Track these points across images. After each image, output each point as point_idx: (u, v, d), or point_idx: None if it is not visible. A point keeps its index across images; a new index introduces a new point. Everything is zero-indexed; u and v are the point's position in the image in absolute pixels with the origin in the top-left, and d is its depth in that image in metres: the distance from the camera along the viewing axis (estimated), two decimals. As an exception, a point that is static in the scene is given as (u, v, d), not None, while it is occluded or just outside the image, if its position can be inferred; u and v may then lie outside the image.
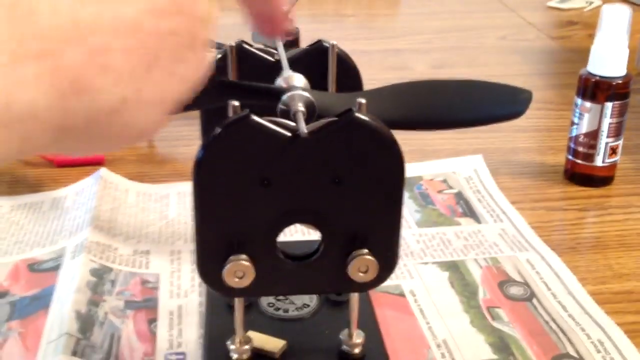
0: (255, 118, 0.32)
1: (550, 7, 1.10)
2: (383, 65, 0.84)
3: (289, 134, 0.32)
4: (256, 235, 0.33)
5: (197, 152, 0.32)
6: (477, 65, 0.86)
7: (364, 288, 0.35)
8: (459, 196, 0.55)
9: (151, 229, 0.50)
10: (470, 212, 0.53)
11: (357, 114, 0.32)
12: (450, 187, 0.56)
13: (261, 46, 0.45)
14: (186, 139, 0.65)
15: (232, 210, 0.33)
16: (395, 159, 0.33)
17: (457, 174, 0.58)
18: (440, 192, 0.56)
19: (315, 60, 0.42)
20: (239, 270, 0.33)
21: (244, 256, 0.33)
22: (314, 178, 0.33)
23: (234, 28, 1.00)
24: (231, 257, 0.33)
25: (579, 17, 1.05)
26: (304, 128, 0.32)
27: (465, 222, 0.52)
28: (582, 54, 0.90)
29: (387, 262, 0.34)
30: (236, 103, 0.32)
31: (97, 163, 0.58)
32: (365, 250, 0.34)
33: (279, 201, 0.33)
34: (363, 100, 0.32)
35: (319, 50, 0.42)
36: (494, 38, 0.96)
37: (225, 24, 1.01)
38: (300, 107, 0.34)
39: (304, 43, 0.58)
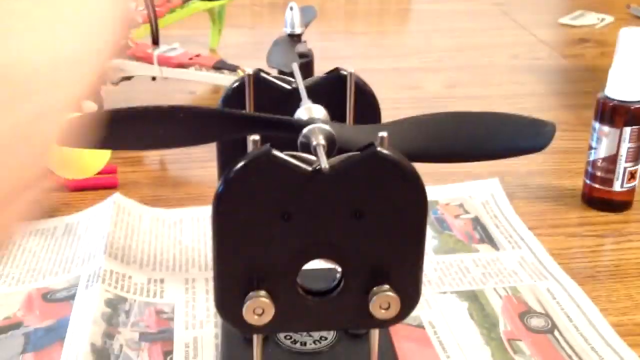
0: (276, 153, 0.31)
1: (561, 24, 1.09)
2: (395, 84, 0.83)
3: (310, 168, 0.31)
4: (276, 271, 0.33)
5: (217, 186, 0.32)
6: (490, 84, 0.86)
7: (385, 324, 0.34)
8: (476, 221, 0.54)
9: (165, 256, 0.50)
10: (487, 239, 0.52)
11: (379, 149, 0.31)
12: (467, 212, 0.56)
13: (276, 73, 0.45)
14: (200, 161, 0.65)
15: (252, 245, 0.32)
16: (417, 193, 0.32)
17: (474, 198, 0.57)
18: (457, 217, 0.55)
19: (332, 89, 0.42)
20: (259, 307, 0.33)
21: (263, 292, 0.33)
22: (335, 212, 0.32)
23: (245, 47, 1.00)
24: (251, 294, 0.33)
25: (591, 34, 1.05)
26: (325, 163, 0.31)
27: (483, 248, 0.51)
28: (595, 73, 0.90)
29: (409, 298, 0.34)
30: (257, 137, 0.32)
31: (110, 187, 0.58)
32: (387, 287, 0.33)
33: (300, 236, 0.32)
34: (385, 134, 0.32)
35: (336, 78, 0.42)
36: (506, 56, 0.95)
37: (237, 42, 1.01)
38: (321, 141, 0.33)
39: (316, 62, 0.58)
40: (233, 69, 0.67)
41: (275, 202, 0.32)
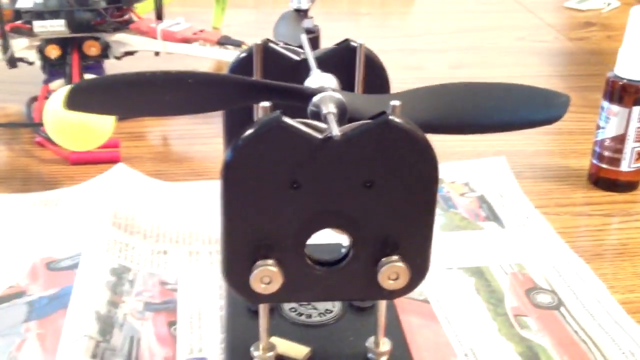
0: (287, 120, 0.31)
1: (567, 7, 1.09)
2: (399, 65, 0.83)
3: (321, 136, 0.31)
4: (285, 240, 0.32)
5: (226, 153, 0.31)
6: (496, 66, 0.85)
7: (393, 295, 0.34)
8: (482, 200, 0.54)
9: (169, 228, 0.49)
10: (493, 217, 0.52)
11: (392, 117, 0.31)
12: (473, 190, 0.55)
13: (285, 45, 0.44)
14: (203, 137, 0.64)
15: (260, 214, 0.32)
16: (429, 163, 0.32)
17: (480, 176, 0.57)
18: (462, 195, 0.55)
19: (342, 60, 0.41)
20: (267, 276, 0.32)
21: (271, 261, 0.32)
22: (345, 181, 0.32)
23: (248, 26, 0.99)
24: (258, 262, 0.32)
25: (597, 18, 1.04)
26: (336, 130, 0.31)
27: (488, 226, 0.51)
28: (601, 56, 0.90)
29: (418, 269, 0.33)
30: (267, 104, 0.31)
31: (113, 161, 0.57)
32: (396, 257, 0.33)
33: (309, 205, 0.32)
34: (397, 103, 0.31)
35: (345, 49, 0.41)
36: (511, 38, 0.94)
37: (239, 21, 1.00)
38: (332, 109, 0.33)
39: (321, 41, 0.57)
40: (237, 44, 0.67)
41: (284, 170, 0.31)
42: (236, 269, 0.33)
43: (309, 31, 0.56)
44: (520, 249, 0.48)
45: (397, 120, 0.31)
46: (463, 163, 0.59)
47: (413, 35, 0.95)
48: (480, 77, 0.81)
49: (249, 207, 0.32)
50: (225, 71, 0.42)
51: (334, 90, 0.34)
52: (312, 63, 0.39)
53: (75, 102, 0.31)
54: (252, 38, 0.67)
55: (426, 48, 0.90)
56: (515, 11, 1.07)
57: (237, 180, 0.31)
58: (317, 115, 0.34)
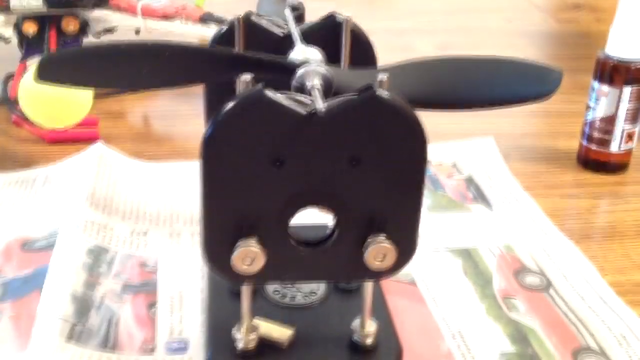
0: (270, 93, 0.29)
1: (555, -11, 1.08)
2: (387, 46, 0.81)
3: (305, 111, 0.30)
4: (267, 219, 0.31)
5: (206, 128, 0.30)
6: (484, 47, 0.84)
7: (380, 276, 0.33)
8: (470, 181, 0.53)
9: (149, 209, 0.48)
10: (481, 198, 0.51)
11: (379, 91, 0.30)
12: (460, 172, 0.54)
13: (269, 18, 0.43)
14: (184, 117, 0.63)
15: (242, 191, 0.31)
16: (418, 139, 0.31)
17: (467, 157, 0.56)
18: (450, 176, 0.54)
19: (327, 35, 0.40)
20: (249, 256, 0.31)
21: (253, 241, 0.31)
22: (330, 158, 0.30)
23: (231, 4, 0.97)
24: (240, 242, 0.31)
25: (585, 0, 1.03)
26: (321, 105, 0.29)
27: (476, 208, 0.50)
28: (589, 39, 0.89)
29: (406, 249, 0.32)
30: (248, 77, 0.30)
31: (91, 140, 0.56)
32: (383, 237, 0.32)
33: (292, 182, 0.31)
34: (385, 77, 0.30)
35: (331, 24, 0.40)
36: (500, 20, 0.93)
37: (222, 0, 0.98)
38: (317, 83, 0.31)
39: (306, 20, 0.56)
40: (220, 21, 0.65)
41: (267, 145, 0.30)
42: (217, 248, 0.31)
43: (293, 8, 0.55)
44: (509, 230, 0.47)
45: (385, 94, 0.30)
46: (450, 144, 0.57)
47: (401, 16, 0.94)
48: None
49: (230, 184, 0.30)
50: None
51: (319, 63, 0.33)
52: (297, 36, 0.37)
53: (47, 73, 0.29)
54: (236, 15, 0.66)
55: (414, 28, 0.89)
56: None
57: (217, 156, 0.30)
58: (302, 90, 0.32)
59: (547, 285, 0.42)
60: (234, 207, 0.31)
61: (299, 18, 0.64)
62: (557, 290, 0.42)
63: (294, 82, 0.32)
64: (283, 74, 0.33)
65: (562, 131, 0.62)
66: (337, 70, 0.33)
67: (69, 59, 0.30)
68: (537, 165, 0.57)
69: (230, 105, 0.29)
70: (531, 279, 0.43)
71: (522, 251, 0.45)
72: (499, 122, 0.62)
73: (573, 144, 0.58)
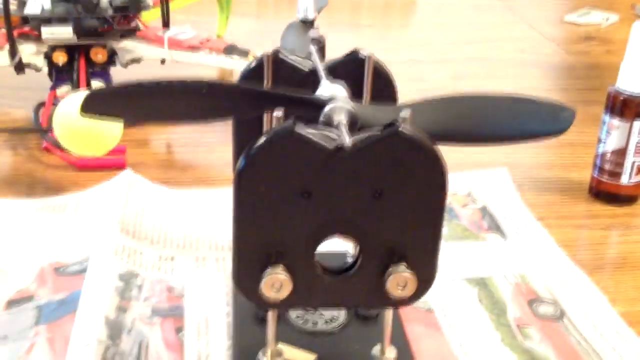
0: (299, 129, 0.31)
1: (567, 21, 1.10)
2: (402, 77, 0.82)
3: (332, 146, 0.32)
4: (295, 247, 0.33)
5: (239, 161, 0.32)
6: (497, 77, 0.86)
7: (400, 304, 0.34)
8: (484, 211, 0.55)
9: (175, 234, 0.50)
10: (495, 228, 0.53)
11: (402, 128, 0.31)
12: (475, 201, 0.56)
13: (295, 54, 0.45)
14: (207, 145, 0.65)
15: (271, 221, 0.32)
16: (438, 173, 0.32)
17: (482, 187, 0.58)
18: (464, 206, 0.55)
19: (350, 70, 0.42)
20: (277, 282, 0.33)
21: (281, 268, 0.33)
22: (355, 190, 0.32)
23: (252, 35, 1.00)
24: (269, 269, 0.33)
25: (596, 32, 1.05)
26: (347, 140, 0.31)
27: (491, 237, 0.51)
28: (600, 71, 0.91)
29: (425, 278, 0.34)
30: (280, 113, 0.32)
31: (118, 167, 0.58)
32: (404, 266, 0.33)
33: (319, 213, 0.33)
34: (407, 113, 0.32)
35: (354, 59, 0.42)
36: (512, 51, 0.95)
37: (243, 30, 1.01)
38: (344, 119, 0.33)
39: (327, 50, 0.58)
40: (244, 53, 0.67)
41: (296, 178, 0.32)
42: (247, 274, 0.33)
43: (315, 41, 0.57)
44: (523, 260, 0.49)
45: (408, 130, 0.31)
46: (465, 174, 0.59)
47: (414, 47, 0.96)
48: (481, 89, 0.82)
49: (261, 214, 0.32)
50: (232, 79, 0.42)
51: (344, 100, 0.35)
52: (322, 73, 0.39)
53: (93, 107, 0.31)
54: (256, 46, 0.68)
55: (428, 59, 0.91)
56: (515, 24, 1.08)
57: (249, 188, 0.32)
58: (329, 125, 0.34)
59: (561, 315, 0.43)
60: (263, 235, 0.33)
61: (321, 50, 0.66)
62: (570, 319, 0.43)
63: (321, 118, 0.34)
64: (311, 110, 0.35)
65: (574, 162, 0.64)
66: (362, 106, 0.35)
67: (113, 94, 0.32)
68: (549, 196, 0.58)
69: (262, 139, 0.31)
70: (545, 309, 0.44)
71: (536, 281, 0.46)
72: (512, 153, 0.64)
73: (584, 175, 0.60)
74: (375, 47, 0.95)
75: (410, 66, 0.88)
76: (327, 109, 0.34)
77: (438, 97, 0.35)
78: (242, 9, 1.08)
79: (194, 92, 0.33)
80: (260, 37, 0.96)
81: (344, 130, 0.32)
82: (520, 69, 0.89)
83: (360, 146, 0.32)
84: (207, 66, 0.70)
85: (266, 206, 0.32)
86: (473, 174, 0.59)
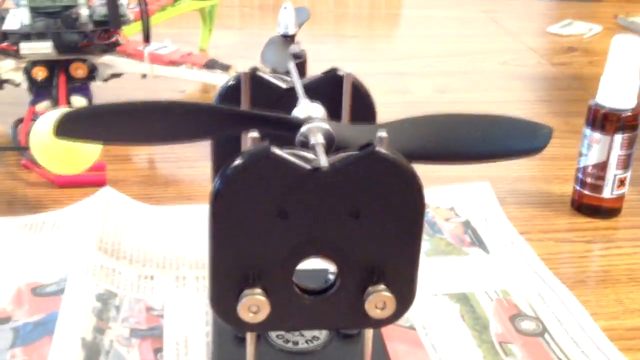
0: (276, 150, 0.31)
1: (550, 32, 1.10)
2: (385, 88, 0.84)
3: (309, 167, 0.31)
4: (272, 269, 0.33)
5: (214, 182, 0.31)
6: (479, 90, 0.86)
7: (380, 324, 0.34)
8: (467, 225, 0.55)
9: (155, 252, 0.49)
10: (478, 242, 0.52)
11: (379, 149, 0.31)
12: (458, 215, 0.56)
13: (271, 73, 0.44)
14: (189, 160, 0.64)
15: (248, 242, 0.32)
16: (415, 194, 0.32)
17: (465, 201, 0.58)
18: (447, 220, 0.55)
19: (328, 88, 0.42)
20: (254, 305, 0.33)
21: (259, 290, 0.33)
22: (332, 211, 0.32)
23: (235, 47, 1.00)
24: (246, 291, 0.32)
25: (579, 43, 1.06)
26: (324, 161, 0.31)
27: (473, 252, 0.51)
28: (583, 81, 0.91)
29: (405, 298, 0.34)
30: (256, 134, 0.32)
31: (99, 184, 0.57)
32: (383, 286, 0.33)
33: (296, 234, 0.32)
34: (384, 134, 0.32)
35: (333, 77, 0.42)
36: (495, 63, 0.96)
37: (226, 43, 1.01)
38: (320, 140, 0.33)
39: (308, 64, 0.58)
40: (225, 68, 0.67)
41: (272, 199, 0.32)
42: (224, 297, 0.33)
43: (296, 56, 0.57)
44: (505, 275, 0.49)
45: (384, 151, 0.31)
46: (448, 188, 0.59)
47: (398, 59, 0.96)
48: (465, 101, 0.82)
49: (237, 235, 0.32)
50: (213, 95, 0.42)
51: (321, 120, 0.35)
52: (300, 92, 0.39)
53: (65, 130, 0.31)
54: (238, 60, 0.68)
55: (412, 71, 0.91)
56: (498, 35, 1.09)
57: (225, 209, 0.32)
58: (306, 144, 0.34)
59: (543, 330, 0.43)
60: (240, 257, 0.32)
61: (301, 65, 0.66)
62: (552, 335, 0.43)
63: (298, 138, 0.34)
64: (288, 130, 0.34)
65: (556, 175, 0.64)
66: (338, 125, 0.35)
67: (86, 116, 0.32)
68: (531, 209, 0.58)
69: (238, 161, 0.31)
70: (527, 324, 0.44)
71: (518, 296, 0.46)
72: (494, 166, 0.64)
73: (566, 188, 0.60)
74: (359, 58, 0.96)
75: (394, 78, 0.88)
76: (303, 129, 0.34)
77: (415, 117, 0.35)
78: (225, 22, 1.08)
79: (168, 113, 0.32)
80: (244, 50, 0.96)
81: (321, 151, 0.32)
82: (503, 81, 0.89)
83: (336, 167, 0.31)
84: (187, 81, 0.70)
85: (243, 227, 0.32)
86: (456, 188, 0.59)
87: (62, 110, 0.55)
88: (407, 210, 0.32)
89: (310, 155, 0.32)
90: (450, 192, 0.59)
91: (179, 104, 0.33)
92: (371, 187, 0.32)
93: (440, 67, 0.93)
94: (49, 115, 0.54)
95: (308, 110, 0.36)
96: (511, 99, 0.84)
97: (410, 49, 1.01)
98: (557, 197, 0.60)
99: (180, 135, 0.34)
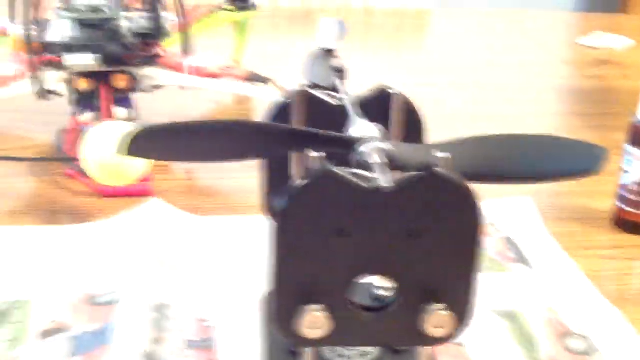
0: (338, 170, 0.32)
1: (581, 45, 1.10)
2: (418, 100, 0.84)
3: (370, 187, 0.32)
4: (332, 286, 0.33)
5: (279, 203, 0.32)
6: (514, 103, 0.86)
7: (437, 342, 0.34)
8: (509, 241, 0.55)
9: (205, 263, 0.50)
10: (521, 258, 0.53)
11: (440, 170, 0.32)
12: (499, 231, 0.56)
13: (321, 90, 0.45)
14: (230, 171, 0.65)
15: (309, 261, 0.33)
16: (475, 215, 0.33)
17: (506, 216, 0.58)
18: (489, 236, 0.55)
19: (376, 106, 0.42)
20: (314, 321, 0.33)
21: (319, 307, 0.33)
22: (392, 230, 0.32)
23: (267, 58, 1.01)
24: (307, 308, 0.33)
25: (611, 55, 1.05)
26: (386, 181, 0.32)
27: (516, 268, 0.52)
28: (617, 95, 0.91)
29: (462, 317, 0.34)
30: (319, 154, 0.32)
31: (144, 195, 0.58)
32: (441, 305, 0.34)
33: (356, 252, 0.33)
34: (445, 155, 0.32)
35: (380, 95, 0.42)
36: (527, 75, 0.96)
37: (258, 53, 1.01)
38: (381, 159, 0.34)
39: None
40: (264, 81, 0.68)
41: (334, 218, 0.32)
42: (284, 313, 0.33)
43: (337, 70, 0.58)
44: (550, 292, 0.49)
45: (446, 172, 0.32)
46: (489, 202, 0.59)
47: (428, 71, 0.97)
48: (500, 114, 0.82)
49: (299, 253, 0.32)
50: (247, 107, 0.43)
51: (379, 139, 0.35)
52: (352, 110, 0.40)
53: (137, 148, 0.32)
54: (272, 70, 0.69)
55: (442, 83, 0.91)
56: (530, 48, 1.09)
57: (289, 228, 0.32)
58: (363, 164, 0.35)
59: (591, 349, 0.43)
60: (302, 274, 0.33)
61: (341, 78, 0.66)
62: (601, 354, 0.43)
63: (357, 158, 0.34)
64: (345, 149, 0.35)
65: (596, 190, 0.64)
66: (396, 145, 0.35)
67: (153, 136, 0.33)
68: (571, 225, 0.58)
69: (302, 181, 0.32)
70: (575, 344, 0.44)
71: (565, 314, 0.46)
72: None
73: (606, 203, 0.60)
74: (389, 70, 0.96)
75: (426, 90, 0.88)
76: (363, 148, 0.34)
77: (472, 137, 0.35)
78: (257, 31, 1.09)
79: (227, 132, 0.33)
80: (276, 61, 0.96)
81: (383, 170, 0.33)
82: (537, 94, 0.89)
83: (397, 187, 0.32)
84: (224, 93, 0.71)
85: (305, 246, 0.32)
86: (497, 203, 0.59)
87: (117, 124, 0.56)
88: (466, 231, 0.33)
89: (369, 175, 0.33)
90: (491, 207, 0.59)
91: (241, 123, 0.34)
92: (431, 208, 0.32)
93: (472, 78, 0.94)
94: (101, 128, 0.55)
95: (365, 129, 0.37)
96: (545, 111, 0.84)
97: (440, 61, 1.01)
98: (597, 213, 0.60)
99: (242, 153, 0.35)
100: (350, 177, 0.32)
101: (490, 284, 0.49)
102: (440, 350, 0.43)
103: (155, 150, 0.32)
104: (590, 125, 0.80)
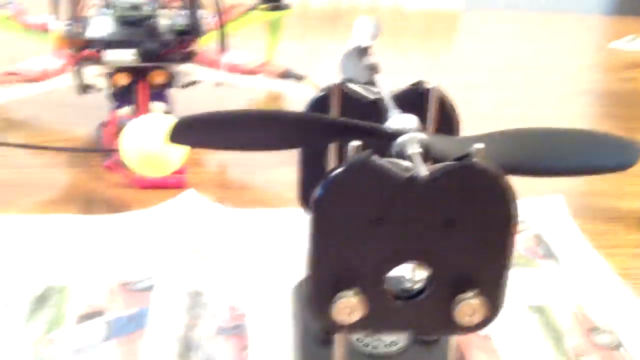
0: (377, 159, 0.33)
1: (613, 48, 1.10)
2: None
3: (407, 176, 0.33)
4: (367, 273, 0.34)
5: (317, 189, 0.33)
6: (546, 105, 0.86)
7: (468, 331, 0.35)
8: (539, 238, 0.55)
9: (236, 253, 0.51)
10: (550, 255, 0.53)
11: (477, 160, 0.32)
12: (529, 228, 0.56)
13: (356, 84, 0.46)
14: (263, 166, 0.66)
15: (345, 247, 0.34)
16: (510, 205, 0.33)
17: (537, 214, 0.58)
18: (519, 232, 0.56)
19: (412, 100, 0.43)
20: (348, 307, 0.34)
21: (353, 293, 0.34)
22: (427, 219, 0.33)
23: (298, 57, 1.02)
24: (341, 294, 0.34)
25: (643, 59, 1.05)
26: (422, 171, 0.32)
27: (546, 264, 0.52)
28: (648, 98, 0.91)
29: (494, 306, 0.35)
30: (357, 143, 0.33)
31: (179, 187, 0.60)
32: (473, 293, 0.34)
33: (392, 240, 0.34)
34: (481, 146, 0.33)
35: (417, 90, 0.43)
36: (558, 77, 0.96)
37: (289, 52, 1.02)
38: (418, 150, 0.35)
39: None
40: (299, 78, 0.69)
41: (371, 206, 0.33)
42: (320, 299, 0.34)
43: (371, 67, 0.59)
44: (579, 288, 0.49)
45: (482, 163, 0.32)
46: (520, 200, 0.60)
47: (458, 71, 0.97)
48: (530, 115, 0.82)
49: (335, 240, 0.33)
50: (281, 103, 0.44)
51: (417, 131, 0.36)
52: (390, 103, 0.41)
53: (179, 136, 0.33)
54: (304, 68, 0.69)
55: (471, 84, 0.92)
56: (561, 50, 1.09)
57: (325, 215, 0.33)
58: (401, 155, 0.35)
59: (618, 344, 0.44)
60: (338, 261, 0.34)
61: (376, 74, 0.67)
62: (627, 349, 0.43)
63: (395, 148, 0.35)
64: (382, 140, 0.36)
65: (626, 191, 0.64)
66: (433, 137, 0.36)
67: (197, 124, 0.34)
68: (602, 224, 0.58)
69: (340, 169, 0.33)
70: (603, 338, 0.44)
71: (594, 309, 0.47)
72: (564, 179, 0.64)
73: (635, 204, 0.60)
74: (419, 70, 0.97)
75: (457, 90, 0.89)
76: (400, 139, 0.35)
77: (510, 130, 0.36)
78: (288, 30, 1.10)
79: (271, 122, 0.34)
80: (307, 60, 0.98)
81: (419, 160, 0.33)
82: (568, 96, 0.89)
83: (434, 176, 0.33)
84: (259, 90, 0.72)
85: (341, 233, 0.33)
86: (528, 200, 0.60)
87: (157, 116, 0.57)
88: (501, 221, 0.33)
89: (406, 165, 0.34)
90: (522, 204, 0.59)
91: (283, 113, 0.35)
92: (467, 198, 0.33)
93: (503, 80, 0.94)
94: (141, 120, 0.56)
95: (403, 121, 0.38)
96: (576, 114, 0.84)
97: (470, 62, 1.01)
98: (627, 213, 0.60)
99: (281, 143, 0.36)
100: (387, 166, 0.33)
101: (519, 279, 0.50)
102: (466, 342, 0.43)
103: (199, 139, 0.34)
104: (621, 127, 0.80)
